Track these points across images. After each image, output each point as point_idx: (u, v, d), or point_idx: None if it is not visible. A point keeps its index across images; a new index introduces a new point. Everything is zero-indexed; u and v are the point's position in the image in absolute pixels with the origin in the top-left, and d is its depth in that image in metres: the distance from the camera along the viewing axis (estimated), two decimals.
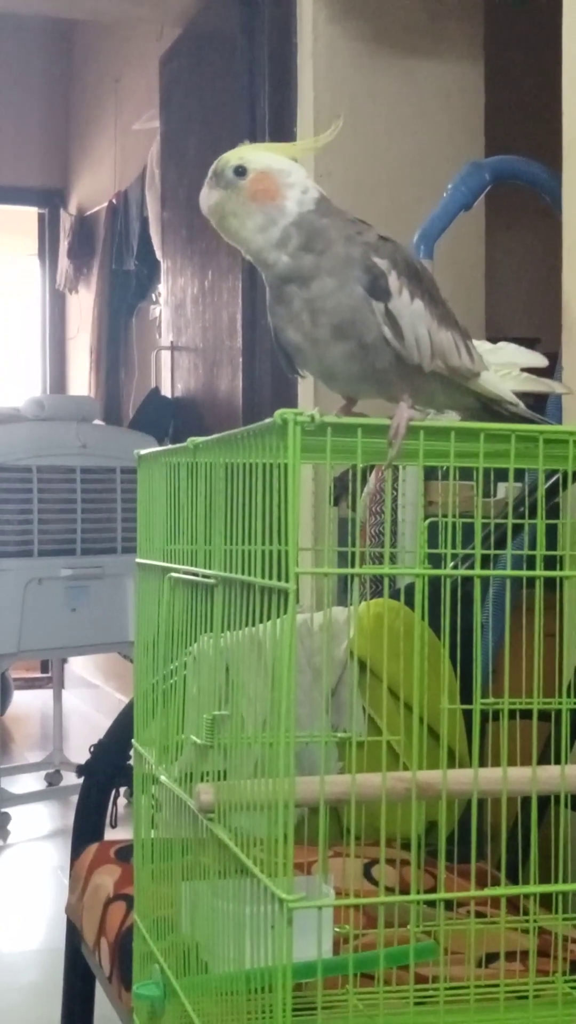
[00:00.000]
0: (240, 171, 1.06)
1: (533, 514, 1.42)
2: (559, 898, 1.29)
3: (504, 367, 1.18)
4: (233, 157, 1.06)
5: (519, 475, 1.76)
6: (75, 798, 1.94)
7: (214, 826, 1.00)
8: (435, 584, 1.05)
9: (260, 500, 0.91)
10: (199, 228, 3.95)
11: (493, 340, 1.29)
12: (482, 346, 1.17)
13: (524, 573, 1.00)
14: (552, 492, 1.61)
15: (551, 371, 1.78)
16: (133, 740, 1.30)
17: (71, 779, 3.98)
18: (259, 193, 1.05)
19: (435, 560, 1.14)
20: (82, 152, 6.07)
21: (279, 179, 1.05)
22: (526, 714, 1.24)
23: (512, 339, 1.43)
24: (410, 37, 3.26)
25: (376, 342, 1.04)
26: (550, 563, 1.04)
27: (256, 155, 1.06)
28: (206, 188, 1.07)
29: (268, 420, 0.87)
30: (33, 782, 4.19)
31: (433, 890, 1.45)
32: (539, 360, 1.22)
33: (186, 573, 1.12)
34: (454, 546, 1.08)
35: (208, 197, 1.07)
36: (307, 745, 1.37)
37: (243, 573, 0.95)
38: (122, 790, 2.17)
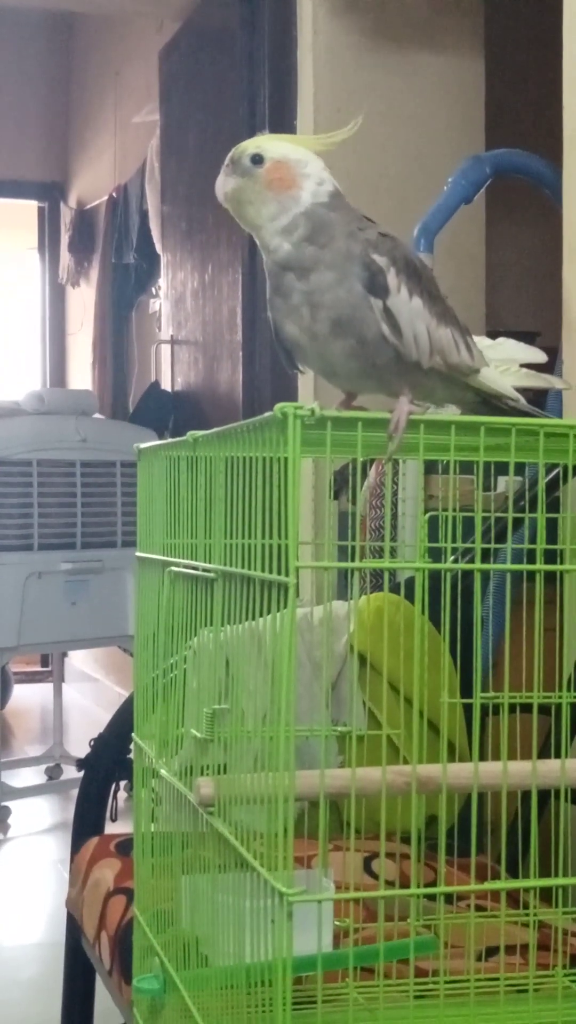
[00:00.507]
0: (257, 159, 1.06)
1: (533, 508, 1.42)
2: (559, 892, 1.29)
3: (503, 363, 1.18)
4: (251, 145, 1.06)
5: (519, 469, 1.76)
6: (75, 792, 1.94)
7: (214, 820, 1.00)
8: (435, 578, 1.05)
9: (260, 494, 0.91)
10: (199, 222, 3.95)
11: (493, 334, 1.29)
12: (481, 342, 1.16)
13: (524, 567, 1.00)
14: (553, 486, 1.61)
15: (551, 366, 1.78)
16: (133, 734, 1.30)
17: (71, 773, 3.99)
18: (275, 182, 1.05)
19: (435, 554, 1.14)
20: (82, 146, 6.07)
21: (296, 169, 1.05)
22: (526, 708, 1.24)
23: (512, 333, 1.43)
24: (411, 31, 3.26)
25: (375, 339, 1.04)
26: (550, 557, 1.04)
27: (273, 144, 1.07)
28: (222, 175, 1.07)
29: (268, 414, 0.87)
30: (33, 776, 4.19)
31: (433, 884, 1.45)
32: (538, 356, 1.22)
33: (186, 567, 1.12)
34: (454, 540, 1.08)
35: (224, 184, 1.07)
36: (307, 739, 1.37)
37: (243, 567, 0.95)
38: (122, 784, 2.17)
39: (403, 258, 1.05)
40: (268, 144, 1.07)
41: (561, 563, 1.07)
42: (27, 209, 6.58)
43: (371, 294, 1.03)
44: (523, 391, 1.15)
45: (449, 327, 1.08)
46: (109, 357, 5.43)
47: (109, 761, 1.86)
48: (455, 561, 1.19)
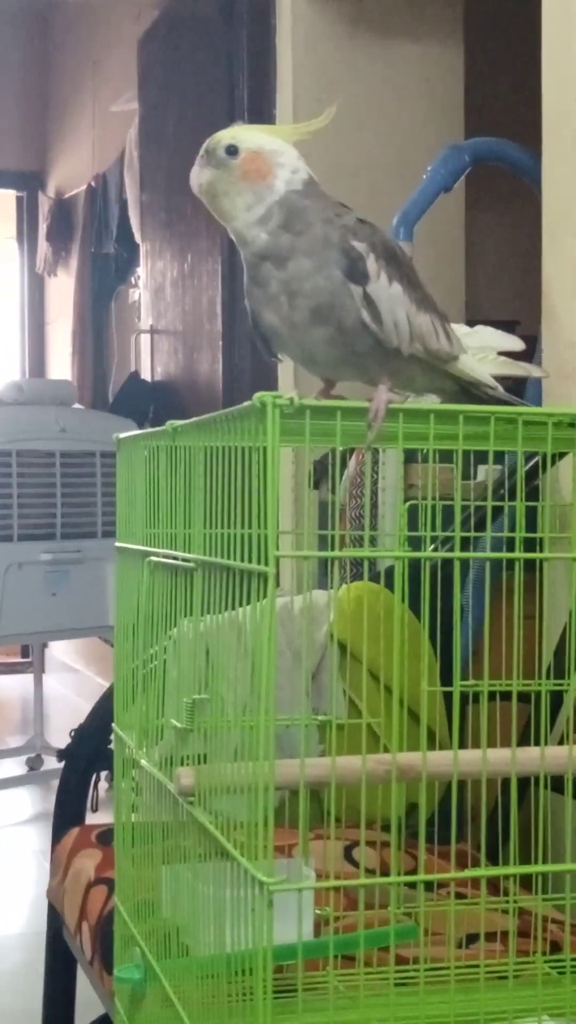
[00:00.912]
0: (232, 150, 1.05)
1: (513, 496, 1.42)
2: (539, 879, 1.30)
3: (481, 351, 1.18)
4: (225, 136, 1.06)
5: (499, 457, 1.76)
6: (56, 782, 1.94)
7: (194, 810, 1.00)
8: (415, 567, 1.05)
9: (239, 483, 0.91)
10: (178, 211, 3.94)
11: (472, 323, 1.29)
12: (459, 330, 1.16)
13: (504, 555, 1.00)
14: (531, 474, 1.61)
15: (530, 354, 1.78)
16: (113, 724, 1.30)
17: (52, 763, 3.98)
18: (250, 172, 1.05)
19: (415, 543, 1.14)
20: (60, 134, 6.04)
21: (271, 159, 1.05)
22: (506, 696, 1.24)
23: (491, 322, 1.43)
24: (389, 19, 3.25)
25: (355, 326, 1.04)
26: (529, 545, 1.04)
27: (248, 135, 1.06)
28: (197, 166, 1.07)
29: (247, 403, 0.87)
30: (14, 767, 4.19)
31: (414, 872, 1.46)
32: (516, 344, 1.22)
33: (166, 557, 1.12)
34: (434, 529, 1.08)
35: (199, 175, 1.07)
36: (287, 728, 1.37)
37: (223, 557, 0.95)
38: (103, 774, 2.17)
39: (382, 244, 1.05)
40: (243, 135, 1.06)
41: (540, 551, 1.07)
42: (5, 198, 6.55)
43: (350, 280, 1.03)
44: (502, 379, 1.16)
45: (428, 313, 1.08)
46: (88, 347, 5.41)
47: (90, 751, 1.85)
48: (435, 549, 1.19)
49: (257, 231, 1.04)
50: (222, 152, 1.06)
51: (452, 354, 1.10)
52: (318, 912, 1.26)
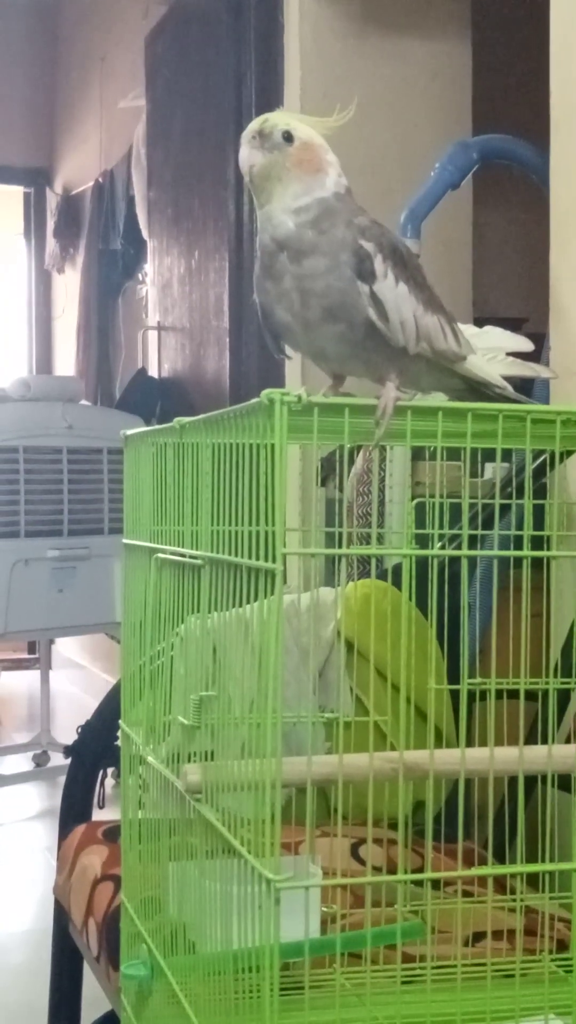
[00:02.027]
0: (288, 137, 1.05)
1: (520, 494, 1.42)
2: (545, 877, 1.30)
3: (490, 351, 1.18)
4: (280, 122, 1.06)
5: (506, 455, 1.76)
6: (62, 779, 1.94)
7: (201, 807, 1.00)
8: (422, 564, 1.05)
9: (247, 480, 0.91)
10: (185, 208, 3.93)
11: (480, 321, 1.29)
12: (468, 330, 1.16)
13: (511, 553, 1.00)
14: (539, 472, 1.61)
15: (537, 353, 1.78)
16: (120, 721, 1.30)
17: (59, 760, 3.99)
18: (304, 162, 1.05)
19: (422, 540, 1.14)
20: (67, 131, 6.04)
21: (321, 154, 1.06)
22: (513, 694, 1.24)
23: (498, 319, 1.43)
24: (397, 16, 3.25)
25: (363, 324, 1.04)
26: (537, 543, 1.04)
27: (298, 124, 1.06)
28: (247, 148, 1.06)
29: (255, 400, 0.87)
30: (21, 763, 4.19)
31: (420, 870, 1.46)
32: (525, 344, 1.22)
33: (173, 554, 1.12)
34: (441, 526, 1.08)
35: (251, 157, 1.06)
36: (294, 725, 1.37)
37: (230, 554, 0.95)
38: (110, 771, 2.17)
39: (389, 245, 1.06)
40: (295, 123, 1.06)
41: (548, 549, 1.07)
42: (13, 194, 6.55)
43: (359, 279, 1.03)
44: (510, 379, 1.16)
45: (436, 314, 1.09)
46: (93, 343, 5.41)
47: (96, 748, 1.86)
48: (442, 547, 1.19)
49: (286, 218, 1.04)
50: (279, 137, 1.05)
51: (459, 354, 1.11)
52: (325, 910, 1.26)
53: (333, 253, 1.03)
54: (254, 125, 1.06)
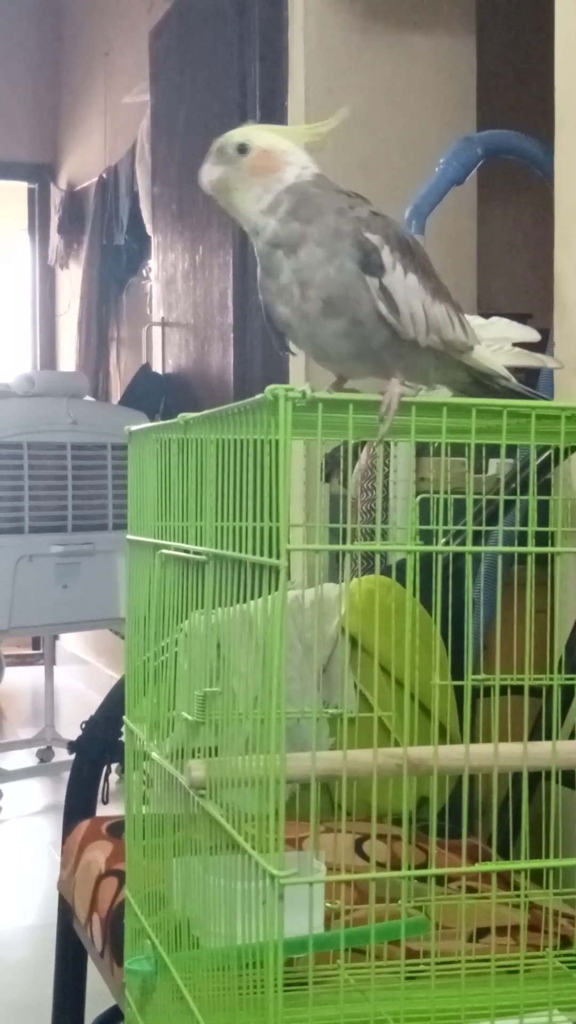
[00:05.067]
0: (243, 148, 1.07)
1: (525, 490, 1.42)
2: (550, 873, 1.30)
3: (496, 342, 1.17)
4: (237, 135, 1.08)
5: (511, 451, 1.76)
6: (67, 774, 1.94)
7: (205, 802, 1.00)
8: (426, 560, 1.05)
9: (251, 476, 0.91)
10: (190, 203, 3.93)
11: (485, 315, 1.29)
12: (474, 321, 1.16)
13: (515, 549, 0.99)
14: (544, 468, 1.60)
15: (543, 346, 1.78)
16: (124, 716, 1.30)
17: (63, 755, 3.99)
18: (259, 168, 1.06)
19: (426, 536, 1.13)
20: (72, 126, 6.04)
21: (281, 157, 1.07)
22: (517, 690, 1.24)
23: (503, 314, 1.42)
24: (402, 10, 3.24)
25: (369, 319, 1.04)
26: (541, 539, 1.04)
27: (259, 134, 1.08)
28: (207, 164, 1.08)
29: (259, 396, 0.87)
30: (25, 758, 4.19)
31: (424, 865, 1.45)
32: (531, 335, 1.21)
33: (177, 550, 1.12)
34: (445, 522, 1.08)
35: (209, 172, 1.08)
36: (298, 721, 1.37)
37: (234, 550, 0.95)
38: (114, 766, 2.17)
39: (396, 236, 1.05)
40: (254, 134, 1.08)
41: (552, 545, 1.07)
42: (17, 190, 6.55)
43: (366, 272, 1.03)
44: (515, 371, 1.15)
45: (443, 304, 1.09)
46: (95, 338, 5.41)
47: (100, 743, 1.86)
48: (446, 543, 1.19)
49: (266, 219, 1.05)
50: (232, 150, 1.07)
51: (467, 344, 1.10)
52: (328, 905, 1.26)
53: (328, 243, 1.03)
54: (214, 145, 1.08)
